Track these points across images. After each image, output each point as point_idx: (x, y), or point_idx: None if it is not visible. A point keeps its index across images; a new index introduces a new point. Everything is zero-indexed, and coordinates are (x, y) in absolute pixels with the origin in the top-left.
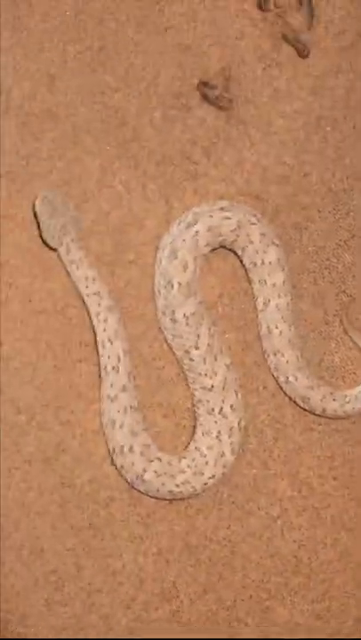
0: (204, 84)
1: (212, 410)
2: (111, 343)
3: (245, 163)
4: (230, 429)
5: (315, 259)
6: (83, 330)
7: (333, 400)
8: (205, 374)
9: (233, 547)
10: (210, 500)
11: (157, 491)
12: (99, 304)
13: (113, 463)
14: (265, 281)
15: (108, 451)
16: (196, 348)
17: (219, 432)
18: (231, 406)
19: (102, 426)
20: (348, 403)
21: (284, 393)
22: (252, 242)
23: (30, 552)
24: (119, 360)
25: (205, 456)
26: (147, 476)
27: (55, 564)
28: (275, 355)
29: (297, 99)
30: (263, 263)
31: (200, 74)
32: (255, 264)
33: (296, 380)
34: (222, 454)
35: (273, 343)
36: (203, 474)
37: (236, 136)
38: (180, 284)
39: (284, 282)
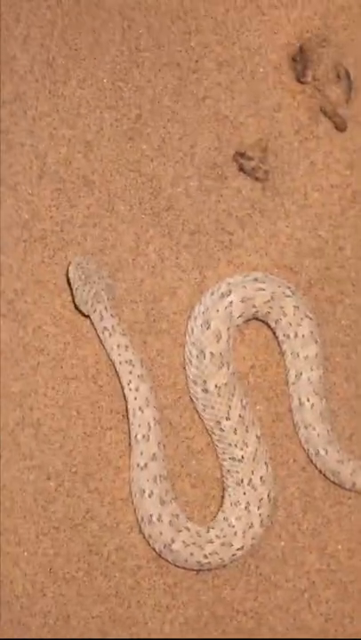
0: (240, 154)
1: (242, 481)
2: (142, 412)
3: (280, 235)
4: (260, 501)
5: (348, 333)
6: (113, 397)
7: None
8: (236, 445)
9: (260, 618)
10: (237, 571)
11: (185, 561)
12: (130, 372)
13: (141, 532)
14: (298, 354)
15: (137, 519)
16: (228, 418)
17: (248, 503)
18: (261, 478)
19: (131, 494)
20: None
21: (315, 466)
22: (285, 314)
23: (57, 619)
24: (150, 429)
25: (234, 527)
26: (175, 546)
27: (81, 631)
28: (306, 428)
29: (333, 172)
30: (296, 336)
31: (237, 145)
32: (288, 336)
33: (326, 453)
34: (251, 525)
35: (304, 416)
36: (231, 545)
37: (271, 208)
38: (212, 354)
39: (316, 354)
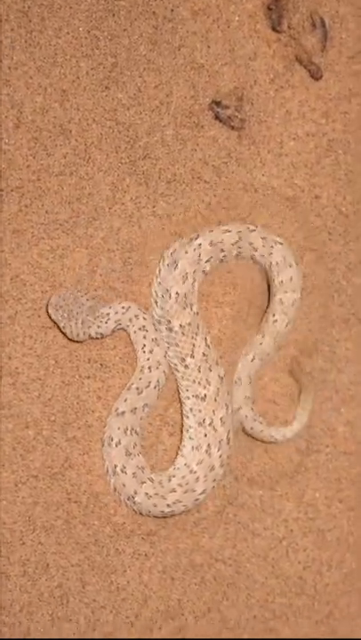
0: (216, 103)
1: (203, 421)
2: (150, 371)
3: (256, 183)
4: (220, 442)
5: (324, 281)
6: (91, 346)
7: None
8: (199, 383)
9: (238, 566)
10: (215, 520)
11: (149, 512)
12: (144, 337)
13: (107, 483)
14: (273, 279)
15: (105, 469)
16: (192, 356)
17: (208, 446)
18: (221, 419)
19: (102, 440)
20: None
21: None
22: (255, 248)
23: (35, 567)
24: (147, 386)
25: (195, 472)
26: (138, 499)
27: (60, 580)
28: (262, 337)
29: (309, 121)
30: (271, 264)
31: (212, 93)
32: (264, 267)
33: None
34: (212, 468)
35: (267, 330)
36: (194, 490)
37: (247, 156)
38: (177, 294)
39: (291, 278)
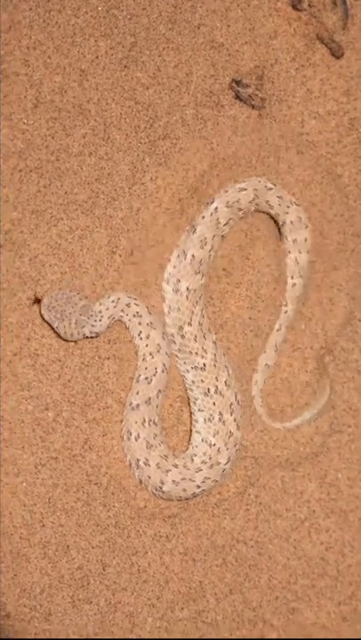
0: (236, 82)
1: (208, 390)
2: (152, 357)
3: (278, 162)
4: (230, 406)
5: (340, 256)
6: (111, 327)
7: None
8: (197, 353)
9: (260, 547)
10: (237, 501)
11: (180, 497)
12: (139, 323)
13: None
14: (287, 237)
15: (128, 463)
16: (190, 324)
17: (220, 413)
18: (225, 382)
19: (122, 435)
20: None
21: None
22: (272, 206)
23: (56, 549)
24: (155, 373)
25: (215, 444)
26: (166, 487)
27: (80, 562)
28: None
29: (330, 99)
30: (285, 223)
31: (232, 72)
32: (279, 225)
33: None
34: (230, 434)
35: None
36: (219, 463)
37: (267, 135)
38: (193, 257)
39: (306, 239)
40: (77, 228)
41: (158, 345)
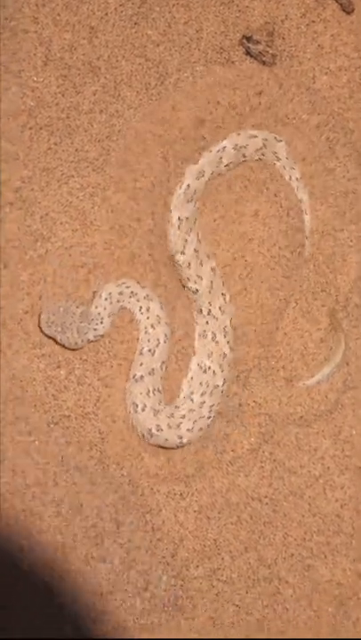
0: (247, 38)
1: (201, 311)
2: (154, 328)
3: (288, 118)
4: (224, 329)
5: (351, 212)
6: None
7: None
8: (189, 279)
9: (274, 505)
10: (251, 458)
11: (201, 428)
12: (137, 300)
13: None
14: (294, 193)
15: (138, 435)
16: (183, 253)
17: (213, 334)
18: (220, 308)
19: (126, 407)
20: None
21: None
22: (279, 158)
23: (69, 508)
24: (158, 344)
25: (210, 368)
26: (185, 439)
27: (94, 520)
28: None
29: (341, 55)
30: (290, 179)
31: (243, 29)
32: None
33: None
34: (224, 355)
35: None
36: (217, 386)
37: (278, 91)
38: (188, 186)
39: (301, 200)
40: (88, 185)
41: (158, 316)
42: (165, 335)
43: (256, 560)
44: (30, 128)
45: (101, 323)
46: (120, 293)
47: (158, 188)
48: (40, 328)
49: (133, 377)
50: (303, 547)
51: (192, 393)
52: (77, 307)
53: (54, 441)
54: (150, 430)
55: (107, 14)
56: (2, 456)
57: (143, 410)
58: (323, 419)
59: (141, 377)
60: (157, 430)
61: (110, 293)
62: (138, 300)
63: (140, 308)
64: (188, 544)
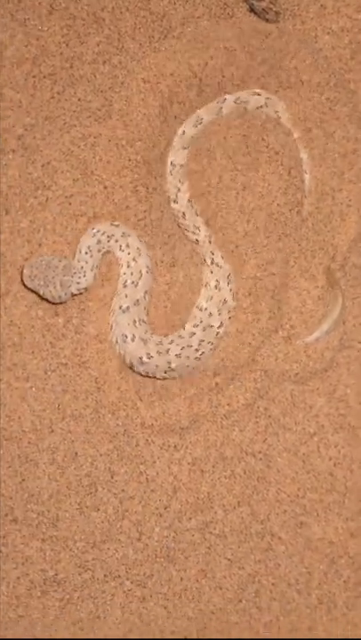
0: None
1: (204, 260)
2: (135, 261)
3: (289, 75)
4: (227, 277)
5: (350, 172)
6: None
7: None
8: (187, 229)
9: (268, 460)
10: (246, 413)
11: (189, 366)
12: (116, 240)
13: (136, 370)
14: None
15: (125, 363)
16: (175, 201)
17: (217, 281)
18: (223, 257)
19: (113, 340)
20: None
21: None
22: (280, 117)
23: (64, 455)
24: (140, 276)
25: (206, 309)
26: (174, 364)
27: (89, 469)
28: None
29: (344, 16)
30: (291, 138)
31: None
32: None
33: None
34: (224, 301)
35: None
36: (212, 326)
37: (281, 47)
38: (184, 132)
39: (307, 158)
40: (90, 135)
41: (138, 249)
42: (147, 266)
43: (249, 515)
44: (34, 76)
45: (84, 276)
46: (98, 242)
47: (158, 138)
48: (22, 282)
49: (120, 308)
50: (296, 503)
51: (186, 323)
52: (60, 260)
53: (51, 388)
54: (141, 359)
55: None
56: None
57: (133, 340)
58: (318, 377)
59: (127, 308)
60: (148, 358)
61: (89, 247)
62: (117, 241)
63: (120, 246)
64: (182, 496)
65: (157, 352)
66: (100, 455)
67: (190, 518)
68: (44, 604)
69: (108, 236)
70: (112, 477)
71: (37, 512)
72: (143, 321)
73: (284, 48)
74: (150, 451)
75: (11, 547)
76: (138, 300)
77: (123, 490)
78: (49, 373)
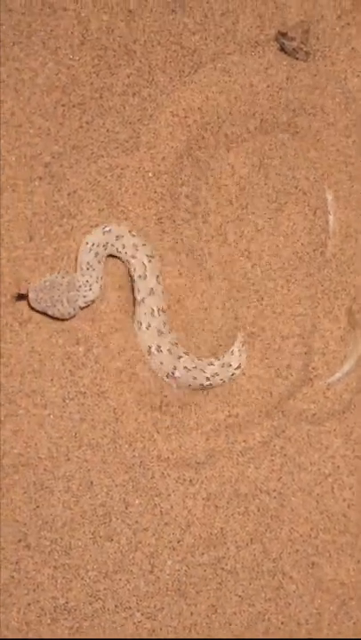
0: (282, 34)
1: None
2: (135, 257)
3: (315, 116)
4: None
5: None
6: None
7: None
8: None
9: (283, 499)
10: (262, 450)
11: (189, 385)
12: (112, 245)
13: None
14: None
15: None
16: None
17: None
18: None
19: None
20: None
21: None
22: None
23: (80, 484)
24: (145, 268)
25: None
26: (177, 373)
27: (103, 499)
28: None
29: None
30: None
31: (278, 25)
32: None
33: None
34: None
35: None
36: (230, 365)
37: (308, 88)
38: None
39: (332, 199)
40: (117, 166)
41: (134, 245)
42: (148, 255)
43: (261, 552)
44: (63, 105)
45: (90, 289)
46: (96, 255)
47: (183, 172)
48: (29, 306)
49: (135, 301)
50: (309, 543)
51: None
52: (63, 277)
53: (69, 416)
54: (150, 348)
55: None
56: (16, 427)
57: (147, 328)
58: (335, 418)
59: (142, 299)
60: (157, 350)
61: (89, 262)
62: (112, 245)
63: (117, 249)
64: (195, 530)
65: (168, 350)
66: (116, 485)
67: (203, 553)
68: (53, 631)
69: (103, 246)
70: (126, 508)
71: (51, 539)
72: (161, 310)
73: (313, 88)
74: (166, 483)
75: (23, 572)
76: (152, 289)
77: (137, 521)
78: (67, 401)
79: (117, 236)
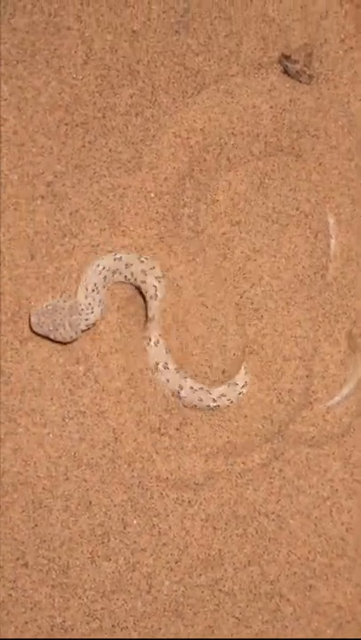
0: (285, 57)
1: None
2: (144, 282)
3: (317, 139)
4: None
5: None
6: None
7: None
8: None
9: (281, 522)
10: (261, 473)
11: (195, 406)
12: (120, 272)
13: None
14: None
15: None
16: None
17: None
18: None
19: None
20: None
21: None
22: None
23: (78, 503)
24: (156, 289)
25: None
26: (183, 393)
27: (102, 519)
28: None
29: None
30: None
31: (282, 47)
32: None
33: None
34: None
35: None
36: (237, 384)
37: (311, 111)
38: None
39: (333, 223)
40: (119, 186)
41: (143, 271)
42: (157, 277)
43: (259, 575)
44: (66, 124)
45: (92, 312)
46: (104, 278)
47: (185, 193)
48: (31, 329)
49: (147, 318)
50: (306, 566)
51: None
52: (65, 300)
53: (68, 435)
54: (157, 365)
55: (149, 20)
56: (16, 445)
57: (156, 345)
58: (335, 441)
59: (153, 316)
60: (164, 368)
61: (95, 284)
62: (120, 273)
63: (125, 277)
64: (193, 552)
65: (175, 369)
66: (114, 505)
67: (200, 574)
68: None
69: (112, 272)
70: (125, 528)
71: (48, 558)
72: None
73: (316, 111)
74: (164, 504)
75: (20, 591)
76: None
77: (135, 541)
78: (67, 421)
79: (127, 264)
